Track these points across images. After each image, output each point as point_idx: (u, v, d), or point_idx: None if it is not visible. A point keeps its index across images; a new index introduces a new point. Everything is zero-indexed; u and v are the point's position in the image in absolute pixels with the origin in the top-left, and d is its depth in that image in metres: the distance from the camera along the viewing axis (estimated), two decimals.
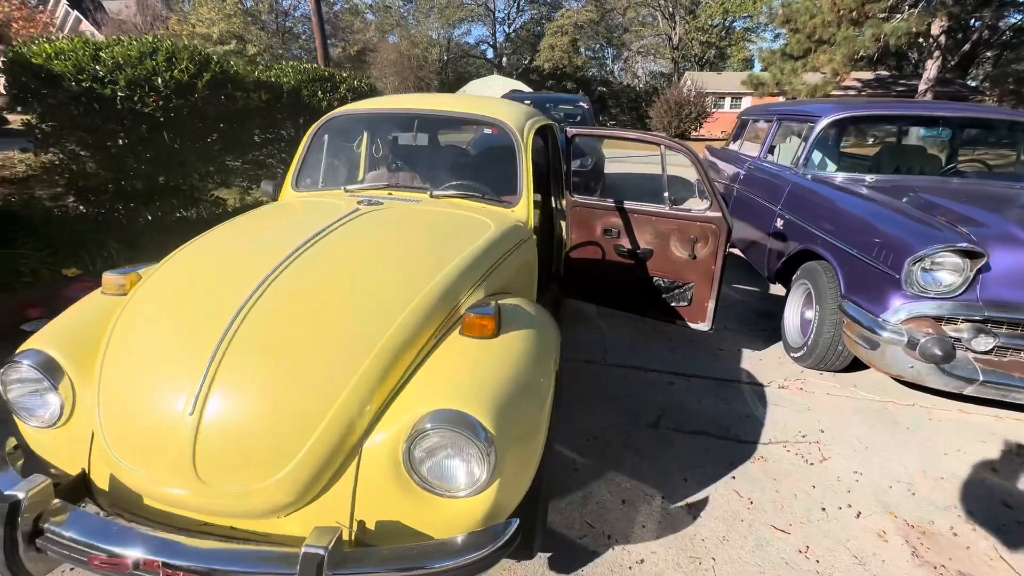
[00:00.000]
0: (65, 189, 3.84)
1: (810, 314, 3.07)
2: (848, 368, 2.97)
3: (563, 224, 3.15)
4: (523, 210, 2.24)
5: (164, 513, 1.30)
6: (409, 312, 1.42)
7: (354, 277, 1.54)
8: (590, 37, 38.45)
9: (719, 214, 2.64)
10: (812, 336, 2.96)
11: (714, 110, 25.34)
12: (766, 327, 3.68)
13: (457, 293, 1.57)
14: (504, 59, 40.54)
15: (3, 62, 3.63)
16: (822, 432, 2.50)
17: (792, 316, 3.31)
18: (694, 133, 23.62)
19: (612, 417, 2.56)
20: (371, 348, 1.32)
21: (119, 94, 3.47)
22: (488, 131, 2.38)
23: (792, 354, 3.18)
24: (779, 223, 3.60)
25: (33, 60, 3.44)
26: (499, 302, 1.62)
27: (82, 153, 3.66)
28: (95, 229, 3.75)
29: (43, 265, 3.33)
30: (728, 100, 28.73)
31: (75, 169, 3.74)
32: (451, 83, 35.23)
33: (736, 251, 4.72)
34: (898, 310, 2.35)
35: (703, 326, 2.88)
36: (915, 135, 5.09)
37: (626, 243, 2.95)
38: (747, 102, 24.41)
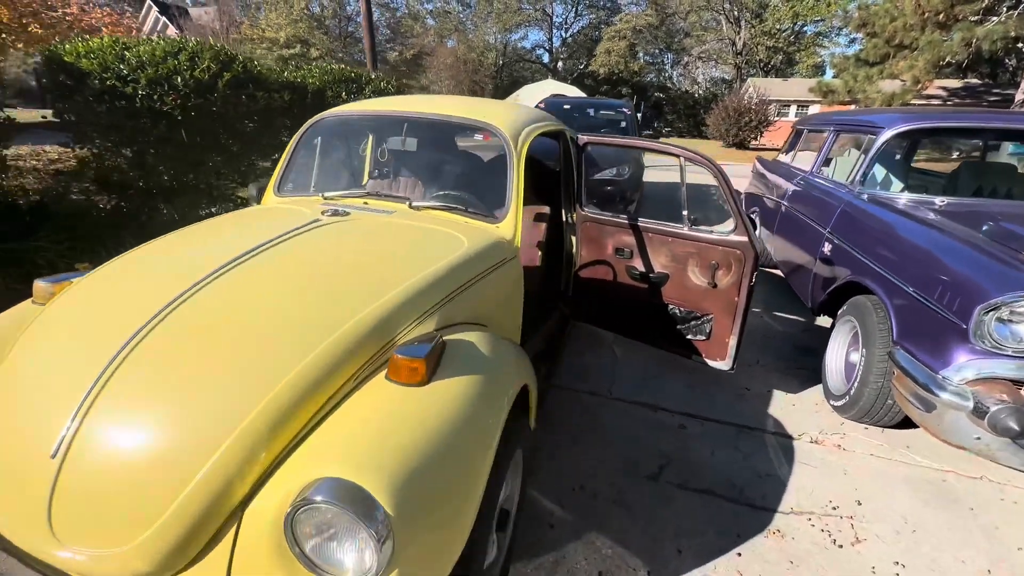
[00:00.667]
0: (92, 183, 3.94)
1: (855, 357, 2.63)
2: (900, 424, 2.51)
3: (573, 239, 2.88)
4: (509, 226, 1.99)
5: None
6: (325, 348, 1.20)
7: (277, 301, 1.34)
8: (649, 42, 37.50)
9: (744, 238, 2.28)
10: (856, 384, 2.52)
11: (777, 119, 24.01)
12: (806, 366, 3.23)
13: (395, 325, 1.35)
14: (559, 63, 40.27)
15: (41, 59, 3.75)
16: (859, 504, 2.09)
17: (835, 357, 2.86)
18: (754, 142, 22.43)
19: (606, 463, 2.25)
20: (269, 389, 1.12)
21: (140, 92, 3.50)
22: (480, 137, 2.14)
23: (832, 402, 2.74)
24: (827, 248, 3.15)
25: (65, 58, 3.53)
26: (445, 338, 1.39)
27: (106, 149, 3.73)
28: (116, 224, 3.81)
29: (60, 258, 3.40)
30: (793, 108, 27.15)
31: (104, 165, 3.82)
32: (505, 87, 35.30)
33: (779, 273, 4.24)
34: (963, 367, 1.91)
35: (722, 364, 2.52)
36: (1004, 151, 4.42)
37: (639, 265, 2.63)
38: (815, 111, 22.94)
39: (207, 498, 1.03)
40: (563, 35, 39.38)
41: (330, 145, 2.37)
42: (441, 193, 2.14)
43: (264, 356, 1.19)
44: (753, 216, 5.54)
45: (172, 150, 3.78)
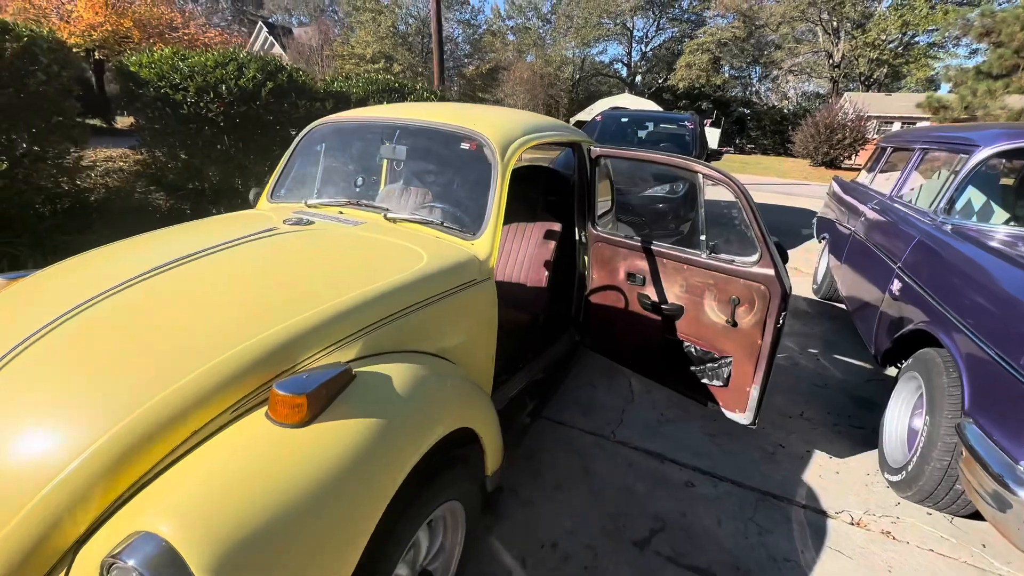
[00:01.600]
0: (151, 184, 4.21)
1: (919, 423, 2.15)
2: (976, 513, 2.00)
3: (586, 260, 2.62)
4: (485, 244, 1.79)
5: None
6: (201, 374, 1.07)
7: (177, 315, 1.23)
8: (735, 55, 35.78)
9: (770, 271, 1.92)
10: (916, 457, 2.05)
11: (876, 136, 21.85)
12: (863, 424, 2.72)
13: (297, 351, 1.19)
14: (637, 77, 39.49)
15: (113, 70, 4.08)
16: None
17: (896, 419, 2.37)
18: (847, 161, 20.57)
19: (589, 519, 1.96)
20: (127, 414, 1.00)
21: (188, 100, 3.69)
22: (466, 146, 1.96)
23: (888, 475, 2.26)
24: (896, 286, 2.65)
25: (131, 68, 3.81)
26: (364, 369, 1.21)
27: (161, 153, 3.97)
28: (168, 221, 4.04)
29: None
30: (896, 125, 24.64)
31: (159, 167, 4.07)
32: (581, 101, 35.14)
33: (844, 306, 3.68)
34: None
35: (741, 417, 2.14)
36: None
37: (652, 293, 2.32)
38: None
39: (31, 534, 0.92)
40: (643, 49, 38.62)
41: (325, 152, 2.30)
42: (416, 204, 1.99)
43: (137, 376, 1.07)
44: (822, 242, 4.93)
45: (217, 154, 3.96)
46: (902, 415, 2.34)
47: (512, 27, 38.40)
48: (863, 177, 4.64)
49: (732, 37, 33.64)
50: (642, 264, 2.33)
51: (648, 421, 2.63)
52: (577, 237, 2.65)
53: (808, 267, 5.69)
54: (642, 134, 7.46)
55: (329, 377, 1.10)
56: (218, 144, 3.82)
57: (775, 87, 38.37)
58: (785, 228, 7.96)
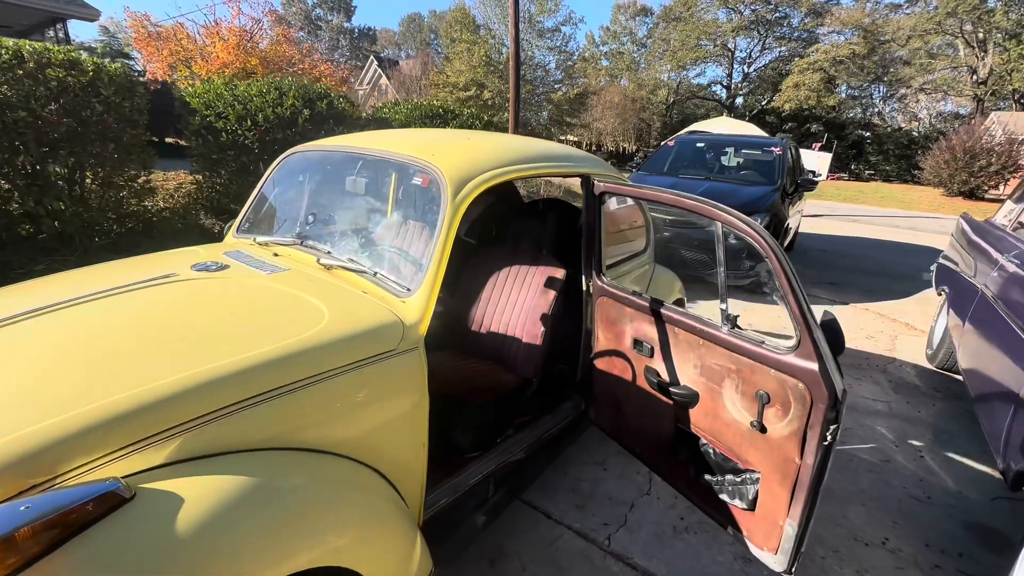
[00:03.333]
0: (199, 206, 4.38)
1: None
2: None
3: (591, 313, 2.16)
4: (418, 304, 1.42)
5: None
6: None
7: None
8: (852, 74, 32.51)
9: (812, 365, 1.34)
10: None
11: None
12: (976, 569, 1.93)
13: (65, 454, 0.90)
14: (738, 99, 37.30)
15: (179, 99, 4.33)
16: None
17: None
18: (993, 192, 17.53)
19: None
20: None
21: (227, 128, 3.77)
22: (419, 180, 1.63)
23: None
24: None
25: (186, 98, 3.99)
26: (150, 485, 0.90)
27: (205, 177, 4.10)
28: (204, 240, 4.17)
29: None
30: None
31: (205, 190, 4.22)
32: (674, 125, 33.85)
33: (962, 378, 2.80)
34: None
35: (771, 559, 1.53)
36: None
37: (661, 369, 1.80)
38: None
39: None
40: (744, 69, 36.46)
41: (295, 183, 2.09)
42: (359, 247, 1.67)
43: None
44: (941, 295, 3.93)
45: (254, 180, 4.01)
46: None
47: (606, 52, 38.23)
48: (1003, 216, 3.63)
49: (850, 54, 30.67)
50: (650, 330, 1.82)
51: (660, 527, 2.06)
52: (584, 286, 2.20)
53: (924, 323, 4.63)
54: (722, 161, 6.71)
55: (61, 506, 0.78)
56: (252, 168, 3.88)
57: (902, 107, 34.30)
58: (901, 270, 6.71)
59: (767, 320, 4.60)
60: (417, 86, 30.29)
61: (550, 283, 2.22)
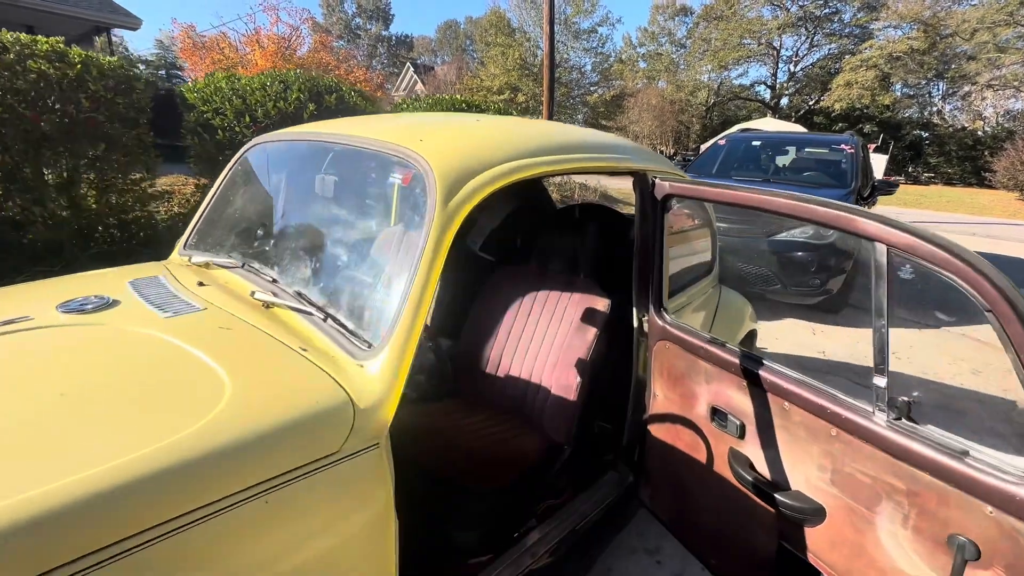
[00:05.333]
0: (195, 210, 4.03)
1: None
2: None
3: (645, 359, 1.60)
4: (381, 372, 0.90)
5: None
6: None
7: None
8: (910, 70, 30.45)
9: None
10: None
11: None
12: None
13: None
14: (783, 100, 35.59)
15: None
16: None
17: None
18: None
19: None
20: None
21: (224, 124, 3.38)
22: (399, 177, 1.11)
23: None
24: None
25: (186, 95, 3.64)
26: None
27: (204, 180, 3.73)
28: None
29: None
30: None
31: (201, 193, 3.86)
32: (715, 127, 32.59)
33: None
34: None
35: None
36: None
37: (758, 458, 1.21)
38: None
39: None
40: (791, 69, 34.74)
41: (254, 184, 1.61)
42: (307, 284, 1.16)
43: None
44: None
45: None
46: None
47: (643, 54, 37.26)
48: None
49: (908, 50, 28.75)
50: (740, 398, 1.24)
51: None
52: (635, 321, 1.63)
53: None
54: (781, 162, 5.98)
55: None
56: None
57: (966, 105, 31.88)
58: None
59: (845, 348, 3.88)
60: (451, 91, 30.25)
61: (590, 318, 1.66)
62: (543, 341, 1.71)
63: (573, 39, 30.40)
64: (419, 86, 34.38)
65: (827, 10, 31.51)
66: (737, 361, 1.23)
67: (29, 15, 10.23)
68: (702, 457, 1.37)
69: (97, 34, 13.50)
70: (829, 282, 4.34)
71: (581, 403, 1.61)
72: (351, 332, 0.98)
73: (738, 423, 1.23)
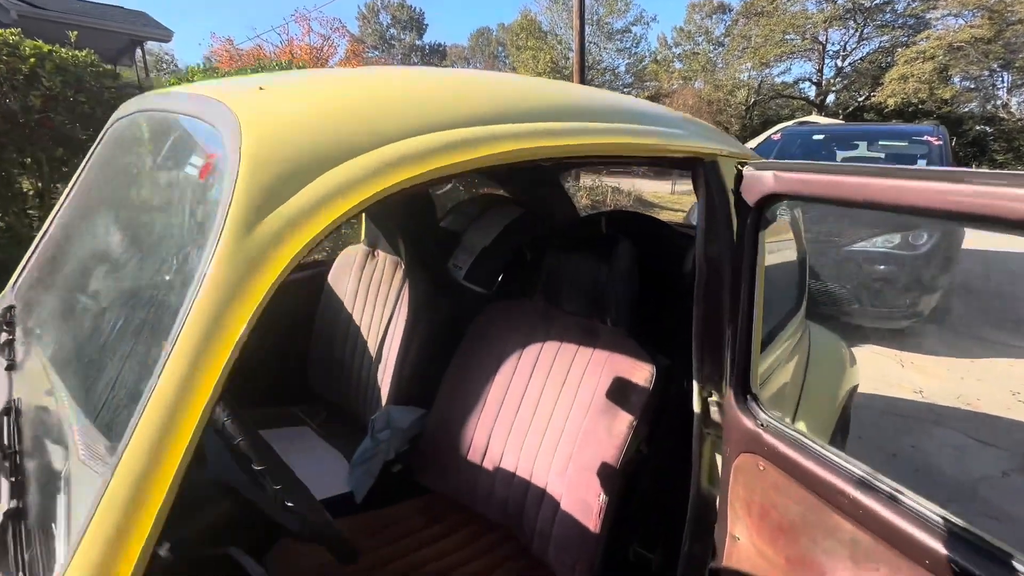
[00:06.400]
0: None
1: None
2: None
3: (711, 466, 0.96)
4: None
5: None
6: None
7: None
8: (972, 62, 28.22)
9: None
10: None
11: None
12: None
13: None
14: (830, 97, 33.70)
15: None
16: None
17: None
18: None
19: None
20: None
21: None
22: (193, 171, 0.54)
23: None
24: None
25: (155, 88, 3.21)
26: None
27: None
28: None
29: None
30: None
31: None
32: (755, 127, 31.12)
33: None
34: None
35: None
36: None
37: None
38: None
39: None
40: (838, 64, 32.87)
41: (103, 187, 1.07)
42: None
43: None
44: None
45: None
46: None
47: (679, 54, 36.10)
48: None
49: (971, 39, 26.66)
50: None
51: None
52: (695, 405, 0.99)
53: None
54: (847, 159, 5.16)
55: None
56: None
57: None
58: None
59: (947, 385, 3.09)
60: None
61: (622, 395, 1.04)
62: (550, 420, 1.09)
63: (606, 40, 29.66)
64: None
65: (878, 0, 29.66)
66: (932, 534, 0.59)
67: (56, 29, 10.38)
68: None
69: (134, 47, 13.73)
70: (920, 303, 3.54)
71: (607, 530, 0.99)
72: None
73: None
